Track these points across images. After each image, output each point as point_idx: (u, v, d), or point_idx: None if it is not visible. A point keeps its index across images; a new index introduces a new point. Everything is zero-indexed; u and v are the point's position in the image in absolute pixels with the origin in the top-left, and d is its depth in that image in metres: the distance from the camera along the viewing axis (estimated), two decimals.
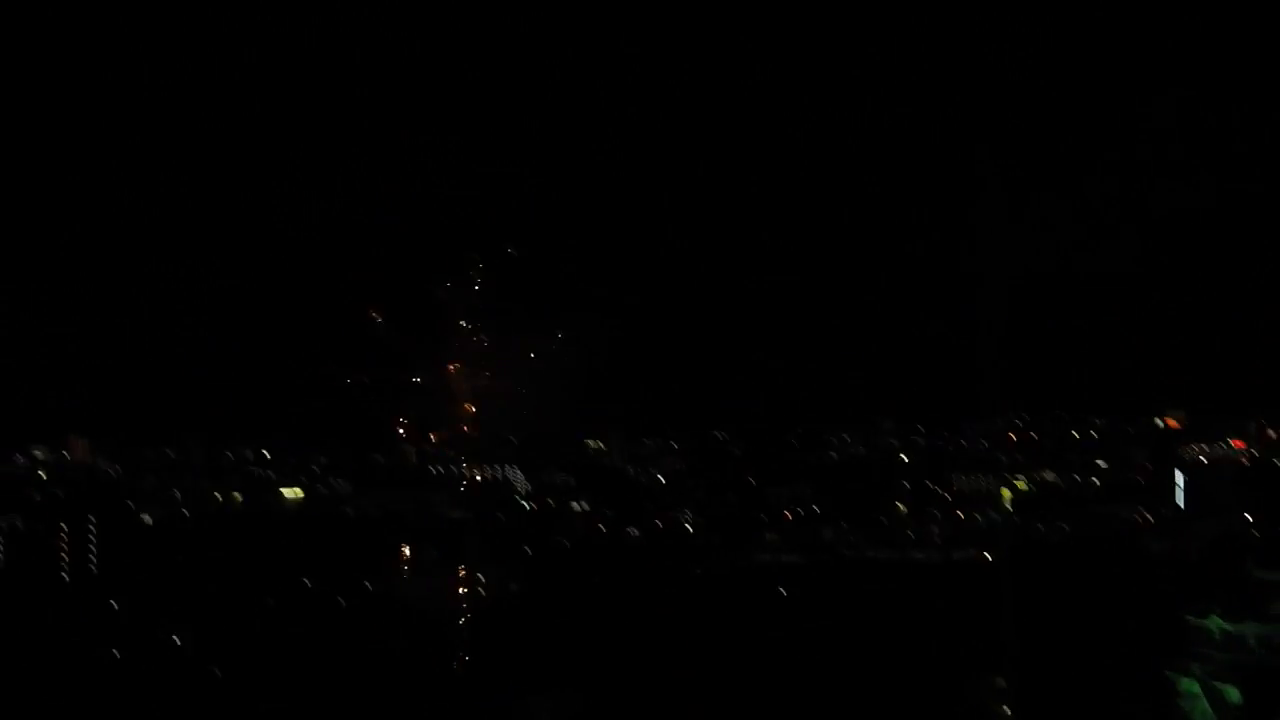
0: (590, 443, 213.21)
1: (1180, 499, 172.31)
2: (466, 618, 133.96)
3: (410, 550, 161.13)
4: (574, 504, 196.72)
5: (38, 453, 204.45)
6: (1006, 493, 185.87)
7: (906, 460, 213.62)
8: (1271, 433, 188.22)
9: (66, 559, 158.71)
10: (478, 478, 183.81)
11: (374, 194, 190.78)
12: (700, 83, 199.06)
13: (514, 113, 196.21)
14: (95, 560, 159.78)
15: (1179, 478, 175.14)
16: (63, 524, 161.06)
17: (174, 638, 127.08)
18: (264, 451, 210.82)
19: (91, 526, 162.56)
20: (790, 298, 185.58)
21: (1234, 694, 60.04)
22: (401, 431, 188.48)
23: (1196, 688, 60.87)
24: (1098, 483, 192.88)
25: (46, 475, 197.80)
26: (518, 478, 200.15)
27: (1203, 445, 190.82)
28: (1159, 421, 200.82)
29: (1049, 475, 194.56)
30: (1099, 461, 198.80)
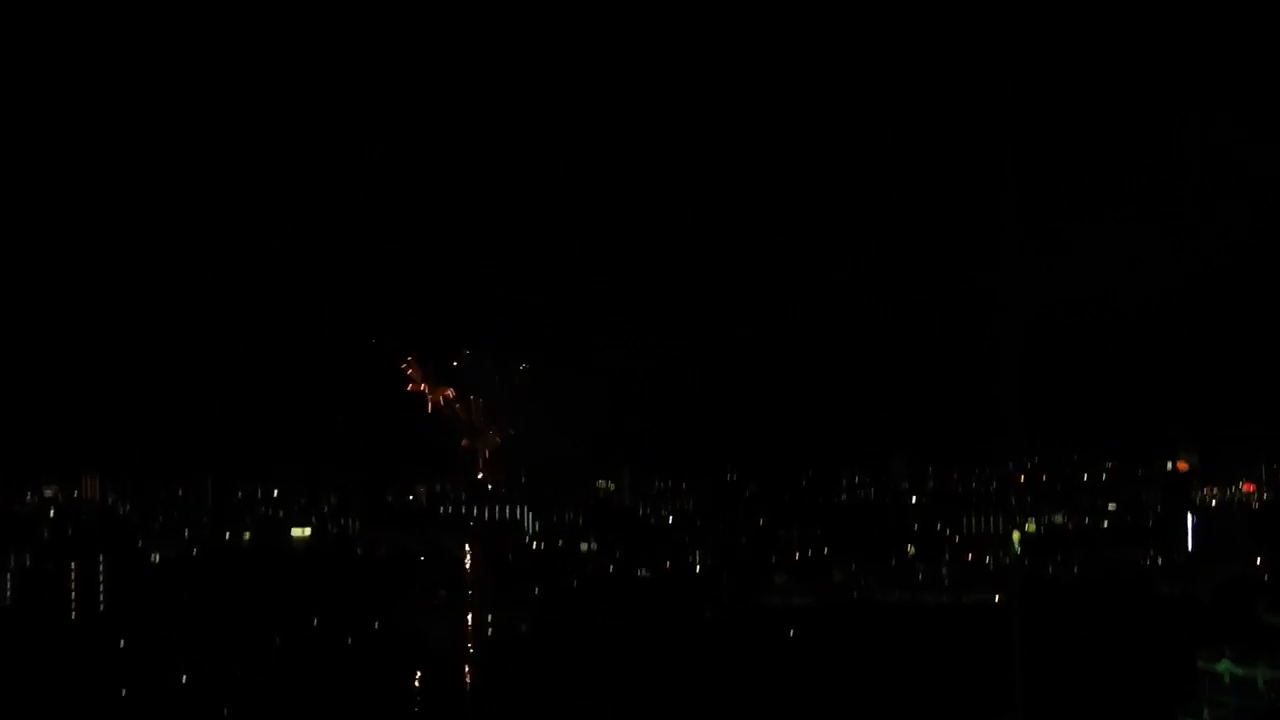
0: (600, 483, 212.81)
1: (1190, 542, 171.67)
2: (476, 657, 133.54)
3: (419, 590, 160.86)
4: (583, 544, 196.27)
5: (49, 491, 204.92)
6: (1016, 535, 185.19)
7: (917, 502, 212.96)
8: None
9: (76, 597, 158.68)
10: (487, 518, 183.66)
11: (386, 233, 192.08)
12: (713, 121, 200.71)
13: (531, 153, 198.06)
14: (104, 598, 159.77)
15: (1189, 520, 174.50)
16: (73, 562, 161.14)
17: (182, 676, 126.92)
18: (274, 491, 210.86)
19: (101, 565, 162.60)
20: (801, 338, 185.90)
21: None
22: (412, 471, 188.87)
23: None
24: (1108, 525, 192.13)
25: (57, 514, 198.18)
26: (527, 518, 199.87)
27: (1213, 488, 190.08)
28: (1170, 464, 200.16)
29: (1059, 517, 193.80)
30: (1109, 504, 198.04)
